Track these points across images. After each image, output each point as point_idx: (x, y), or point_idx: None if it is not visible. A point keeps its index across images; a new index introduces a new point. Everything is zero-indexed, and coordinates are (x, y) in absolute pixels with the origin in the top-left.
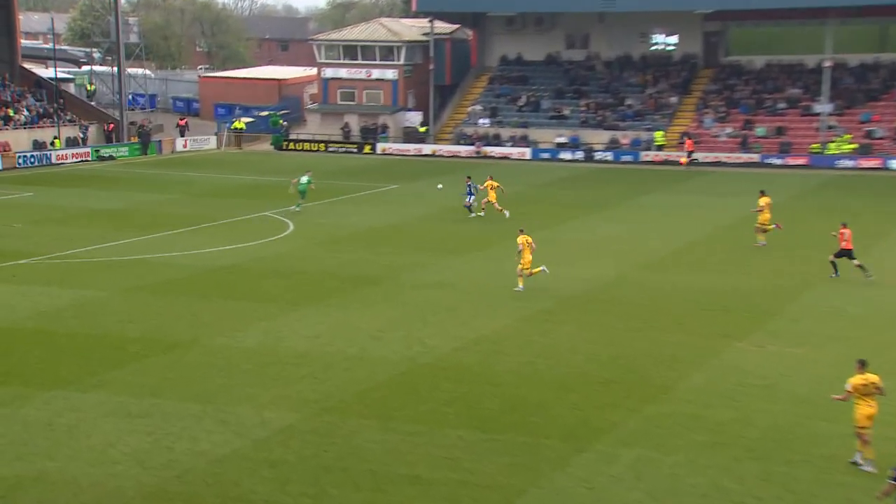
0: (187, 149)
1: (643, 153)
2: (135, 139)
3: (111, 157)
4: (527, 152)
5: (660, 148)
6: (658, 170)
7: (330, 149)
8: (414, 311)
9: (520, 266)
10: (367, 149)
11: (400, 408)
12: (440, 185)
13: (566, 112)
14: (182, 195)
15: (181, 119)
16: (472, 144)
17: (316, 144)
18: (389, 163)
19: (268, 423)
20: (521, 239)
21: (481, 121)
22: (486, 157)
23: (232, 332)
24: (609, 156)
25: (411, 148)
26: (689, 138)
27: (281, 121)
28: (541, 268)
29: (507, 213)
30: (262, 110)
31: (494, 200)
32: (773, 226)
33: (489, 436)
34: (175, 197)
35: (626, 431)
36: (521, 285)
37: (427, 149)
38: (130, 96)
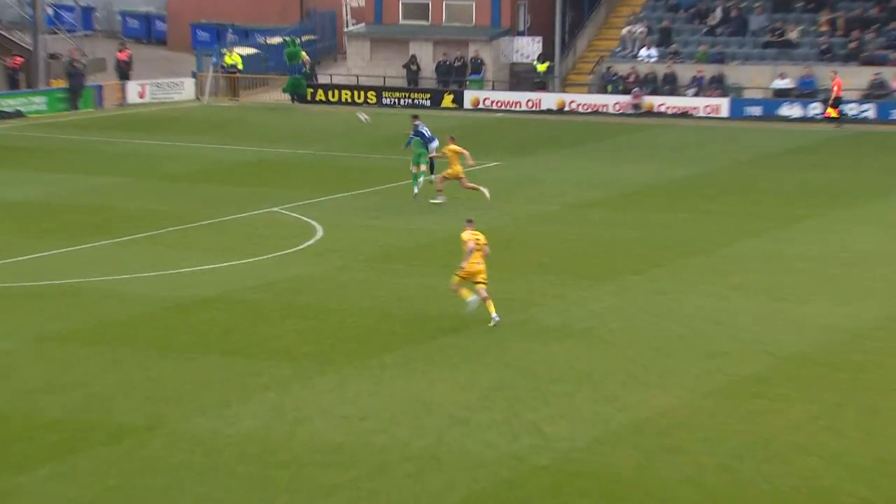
0: (145, 100)
1: None
2: (59, 83)
3: (18, 114)
4: (722, 105)
5: None
6: None
7: (385, 100)
8: (524, 375)
9: (459, 273)
10: (447, 100)
11: None
12: (364, 116)
13: (793, 35)
14: (138, 178)
15: (121, 50)
16: (628, 93)
17: (360, 92)
18: (485, 123)
19: None
20: (468, 235)
21: (643, 52)
22: (649, 112)
23: (218, 410)
24: (868, 110)
25: (522, 98)
26: (837, 75)
27: (303, 53)
28: (492, 318)
29: (486, 192)
30: (271, 35)
31: (461, 174)
32: None
33: None
34: (126, 181)
35: None
36: (493, 315)
37: (550, 100)
38: (52, 10)
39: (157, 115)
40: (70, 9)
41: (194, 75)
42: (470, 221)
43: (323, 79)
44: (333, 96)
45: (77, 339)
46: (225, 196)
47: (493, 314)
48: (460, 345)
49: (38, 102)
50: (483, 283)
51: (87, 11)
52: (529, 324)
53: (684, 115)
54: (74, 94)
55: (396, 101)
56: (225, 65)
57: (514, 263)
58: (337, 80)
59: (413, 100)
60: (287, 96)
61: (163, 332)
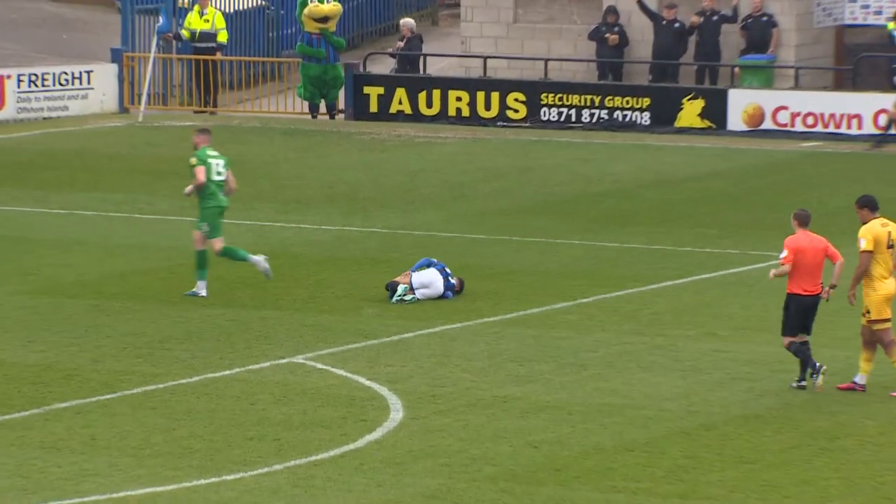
0: (8, 114)
1: None
2: None
3: None
4: None
5: None
6: None
7: (546, 112)
8: None
9: None
10: (688, 112)
11: None
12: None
13: None
14: None
15: None
16: None
17: (489, 94)
18: (783, 165)
19: None
20: None
21: None
22: None
23: None
24: None
25: (866, 107)
26: None
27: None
28: None
29: None
30: None
31: None
32: None
33: None
34: None
35: None
36: None
37: None
38: None
39: (31, 148)
40: None
41: (117, 58)
42: None
43: (387, 65)
44: (407, 107)
45: None
46: (180, 330)
47: None
48: None
49: None
50: None
51: None
52: None
53: None
54: None
55: (576, 113)
56: (186, 36)
57: None
58: (435, 67)
59: (613, 113)
60: (305, 105)
61: None
